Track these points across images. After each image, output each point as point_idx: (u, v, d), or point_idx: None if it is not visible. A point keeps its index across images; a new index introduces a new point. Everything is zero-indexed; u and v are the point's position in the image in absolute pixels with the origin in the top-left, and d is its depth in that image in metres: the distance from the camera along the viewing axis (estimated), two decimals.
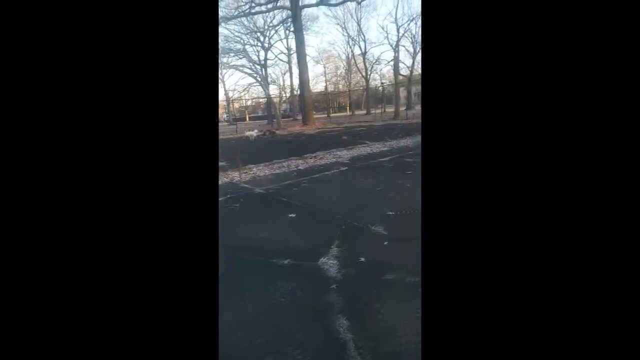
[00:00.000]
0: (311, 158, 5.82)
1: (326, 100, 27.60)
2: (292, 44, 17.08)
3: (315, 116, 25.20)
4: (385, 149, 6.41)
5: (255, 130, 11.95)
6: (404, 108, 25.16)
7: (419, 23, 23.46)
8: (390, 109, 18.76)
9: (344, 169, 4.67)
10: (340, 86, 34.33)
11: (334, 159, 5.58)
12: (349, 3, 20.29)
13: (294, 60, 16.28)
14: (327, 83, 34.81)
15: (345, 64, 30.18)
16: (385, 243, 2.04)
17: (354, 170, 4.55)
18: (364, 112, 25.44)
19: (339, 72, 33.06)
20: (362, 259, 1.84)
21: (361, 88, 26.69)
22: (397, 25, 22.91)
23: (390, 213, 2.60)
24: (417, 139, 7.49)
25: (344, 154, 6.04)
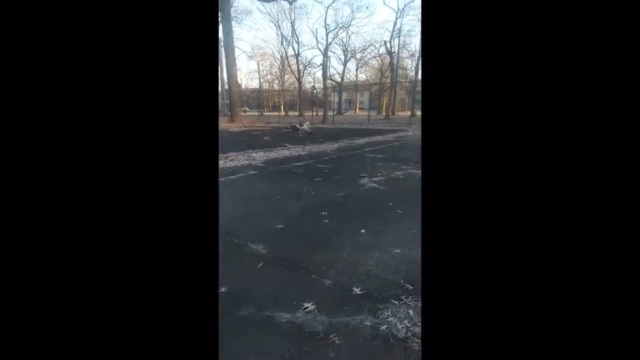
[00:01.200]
0: (221, 159, 5.31)
1: (259, 98, 26.73)
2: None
3: (249, 113, 24.11)
4: (303, 153, 6.28)
5: (308, 123, 11.01)
6: (335, 112, 26.01)
7: (351, 31, 24.55)
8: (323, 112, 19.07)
9: (252, 172, 4.33)
10: (275, 85, 33.78)
11: (247, 162, 5.19)
12: (282, 2, 20.00)
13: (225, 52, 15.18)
14: (262, 80, 33.87)
15: (279, 64, 29.80)
16: (260, 265, 1.79)
17: (263, 174, 4.25)
18: (298, 113, 25.43)
19: (273, 70, 32.47)
20: (223, 290, 1.54)
21: (295, 89, 26.65)
22: (326, 30, 23.40)
23: (280, 226, 2.37)
24: (335, 145, 7.59)
25: (259, 156, 5.70)
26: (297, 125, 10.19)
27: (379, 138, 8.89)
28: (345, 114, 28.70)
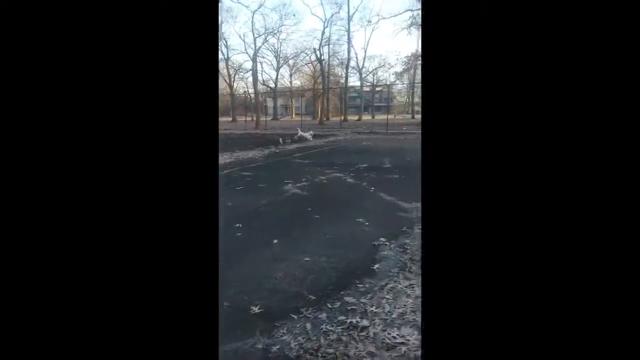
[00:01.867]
0: None
1: None
2: None
3: None
4: (230, 160, 5.97)
5: (311, 132, 9.38)
6: (271, 118, 25.72)
7: (281, 38, 24.63)
8: (261, 118, 18.61)
9: None
10: None
11: None
12: None
13: None
14: None
15: None
16: None
17: None
18: (230, 119, 24.41)
19: None
20: None
21: (227, 94, 25.57)
22: (254, 35, 22.96)
23: None
24: (266, 151, 7.43)
25: None
26: (280, 141, 8.36)
27: (310, 143, 9.01)
28: (282, 119, 28.64)
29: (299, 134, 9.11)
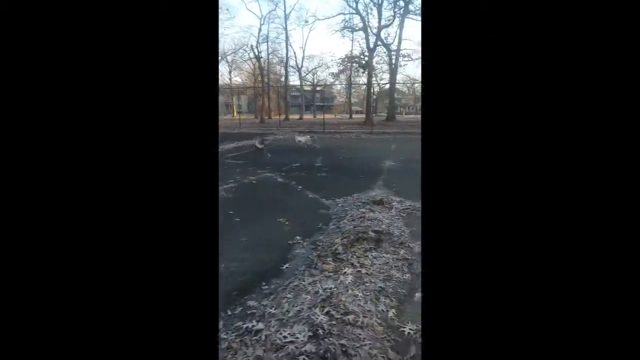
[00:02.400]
0: None
1: None
2: None
3: None
4: None
5: (308, 136, 7.90)
6: None
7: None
8: None
9: None
10: None
11: None
12: None
13: None
14: None
15: None
16: None
17: None
18: None
19: None
20: None
21: None
22: None
23: None
24: None
25: None
26: (257, 144, 7.03)
27: (248, 142, 8.75)
28: (224, 117, 27.27)
29: (297, 140, 7.94)
